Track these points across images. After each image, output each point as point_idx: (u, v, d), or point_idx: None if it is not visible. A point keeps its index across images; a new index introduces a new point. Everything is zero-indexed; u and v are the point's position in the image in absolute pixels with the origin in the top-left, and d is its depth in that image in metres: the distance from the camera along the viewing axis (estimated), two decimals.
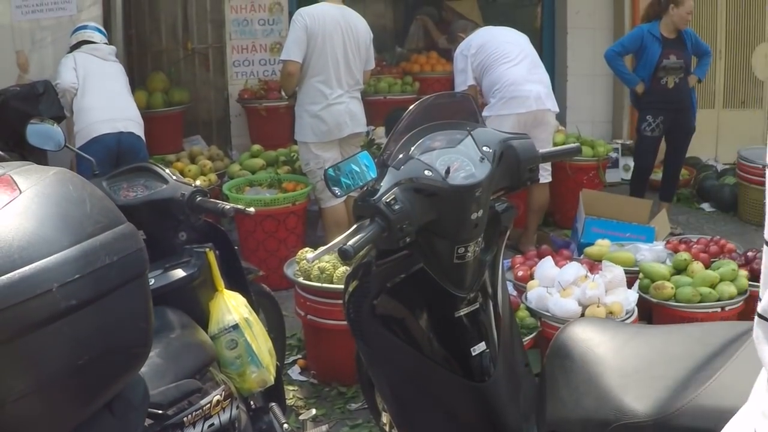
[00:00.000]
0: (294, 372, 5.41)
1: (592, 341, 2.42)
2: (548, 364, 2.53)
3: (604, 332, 2.48)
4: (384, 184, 2.51)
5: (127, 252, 1.87)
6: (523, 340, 4.48)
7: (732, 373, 2.08)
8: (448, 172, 2.57)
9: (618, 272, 5.11)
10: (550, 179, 7.52)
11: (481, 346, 2.80)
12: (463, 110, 3.00)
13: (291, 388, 5.18)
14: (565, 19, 10.24)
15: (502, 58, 7.07)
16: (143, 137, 6.87)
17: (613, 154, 9.54)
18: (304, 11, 6.67)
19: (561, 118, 9.59)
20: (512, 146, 2.81)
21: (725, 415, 1.99)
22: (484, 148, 2.70)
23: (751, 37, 11.31)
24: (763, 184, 8.79)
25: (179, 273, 3.15)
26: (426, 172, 2.55)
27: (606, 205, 7.17)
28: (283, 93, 7.49)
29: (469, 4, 10.95)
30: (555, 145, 7.79)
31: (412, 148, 2.65)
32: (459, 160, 2.64)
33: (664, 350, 2.34)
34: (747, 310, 5.55)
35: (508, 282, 5.31)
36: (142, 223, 2.91)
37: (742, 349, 2.17)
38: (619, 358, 2.32)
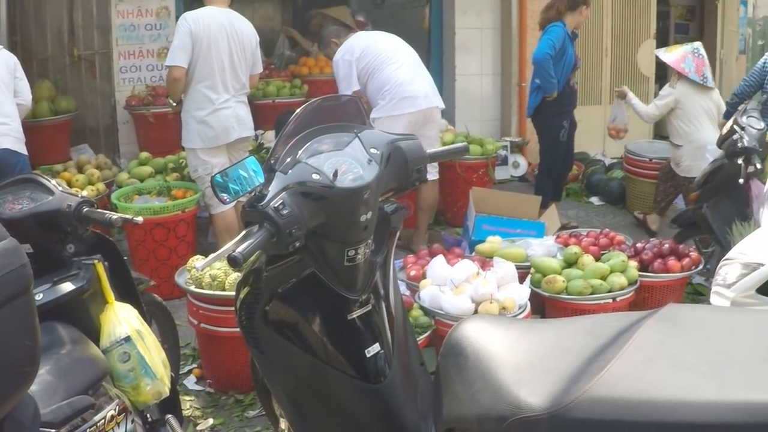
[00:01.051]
0: (190, 382, 5.34)
1: (485, 338, 2.43)
2: (442, 363, 2.54)
3: (497, 328, 2.49)
4: (272, 189, 2.48)
5: (10, 268, 1.82)
6: (418, 339, 4.50)
7: (623, 363, 2.10)
8: (336, 175, 2.56)
9: (509, 268, 5.16)
10: (437, 177, 7.54)
11: (375, 348, 2.79)
12: (350, 112, 3.00)
13: (187, 398, 5.11)
14: (452, 20, 10.31)
15: (389, 60, 7.09)
16: (22, 150, 6.59)
17: (502, 152, 9.66)
18: (188, 15, 6.60)
19: (450, 117, 9.70)
20: (400, 147, 2.82)
21: (619, 405, 2.03)
22: (372, 150, 2.70)
23: (636, 34, 11.59)
24: (648, 176, 9.00)
25: (68, 287, 3.09)
26: (314, 176, 2.54)
27: (496, 202, 7.25)
28: (170, 99, 7.40)
29: (341, 10, 10.94)
30: (444, 144, 7.87)
31: (300, 152, 2.63)
32: (347, 162, 2.63)
33: (556, 344, 2.36)
34: (638, 300, 5.69)
35: (400, 282, 5.33)
36: (29, 236, 2.85)
37: (632, 339, 2.20)
38: (512, 354, 2.34)
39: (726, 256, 4.32)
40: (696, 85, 8.30)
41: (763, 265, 4.03)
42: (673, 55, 8.50)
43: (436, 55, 10.47)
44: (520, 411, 2.12)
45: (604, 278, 5.53)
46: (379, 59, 7.09)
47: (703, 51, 8.57)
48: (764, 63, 8.19)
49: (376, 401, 2.84)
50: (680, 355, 2.14)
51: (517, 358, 2.31)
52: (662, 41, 13.17)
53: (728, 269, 4.17)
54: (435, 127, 7.37)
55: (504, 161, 9.91)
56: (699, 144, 7.99)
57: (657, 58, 9.08)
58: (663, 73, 12.41)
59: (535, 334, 2.47)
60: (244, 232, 2.45)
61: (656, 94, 11.32)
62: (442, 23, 10.58)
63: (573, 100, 8.62)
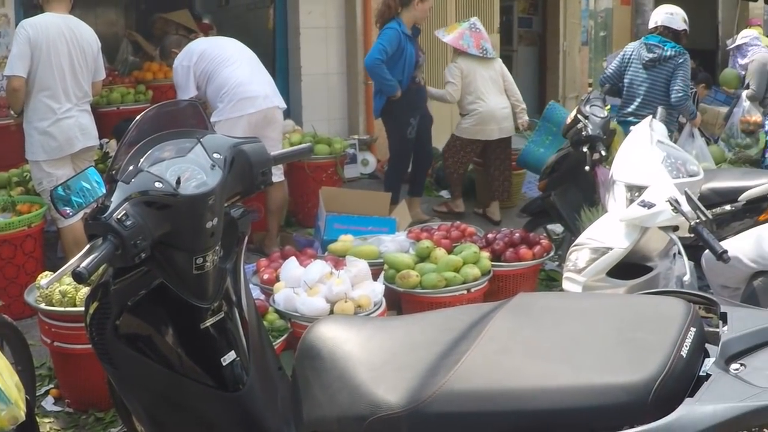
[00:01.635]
0: (48, 403, 5.17)
1: (338, 338, 2.42)
2: (298, 366, 2.52)
3: (350, 328, 2.49)
4: (114, 200, 2.43)
5: None
6: (275, 343, 4.47)
7: (478, 355, 2.12)
8: (179, 182, 2.52)
9: (362, 266, 5.15)
10: (283, 178, 7.49)
11: (231, 355, 2.77)
12: (192, 118, 2.96)
13: (46, 420, 4.96)
14: (297, 20, 10.24)
15: (225, 62, 7.01)
16: None
17: (351, 150, 9.64)
18: (26, 23, 6.37)
19: (297, 117, 9.66)
20: (243, 151, 2.79)
21: (476, 396, 2.05)
22: (215, 155, 2.67)
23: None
24: None
25: None
26: (156, 184, 2.50)
27: (346, 200, 7.23)
28: (11, 110, 7.16)
29: (183, 14, 10.79)
30: (291, 145, 7.84)
31: (142, 160, 2.58)
32: (190, 169, 2.59)
33: (409, 340, 2.37)
34: (492, 290, 5.75)
35: (254, 286, 5.28)
36: None
37: (485, 330, 2.22)
38: (367, 352, 2.34)
39: (575, 242, 4.40)
40: (477, 58, 8.75)
41: (611, 248, 4.12)
42: (451, 35, 8.87)
43: (281, 55, 10.40)
44: (379, 410, 2.12)
45: (457, 270, 5.55)
46: (215, 62, 7.01)
47: (480, 25, 8.98)
48: (623, 54, 8.40)
49: (237, 409, 2.82)
50: (533, 343, 2.17)
51: (372, 356, 2.32)
52: (506, 35, 13.41)
53: (578, 255, 4.25)
54: (277, 128, 7.31)
55: (353, 159, 9.91)
56: (486, 110, 8.70)
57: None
58: (508, 66, 12.62)
59: (388, 331, 2.48)
60: (88, 246, 2.40)
61: None
62: (286, 23, 10.50)
63: (421, 97, 8.63)
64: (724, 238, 4.98)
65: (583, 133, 6.16)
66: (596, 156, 6.01)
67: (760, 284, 4.20)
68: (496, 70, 8.99)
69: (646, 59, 8.02)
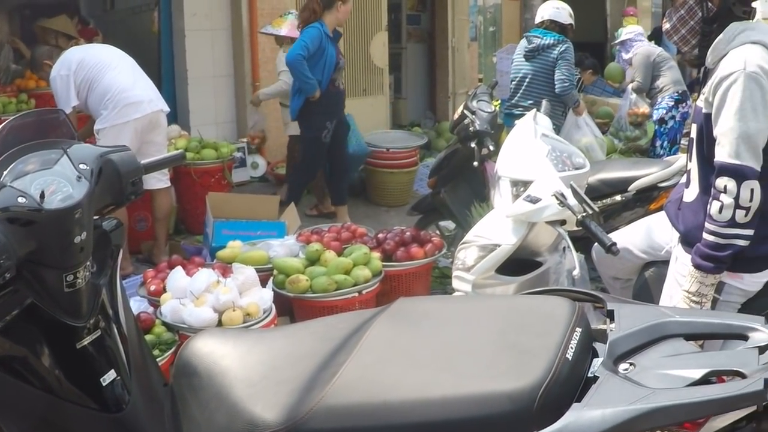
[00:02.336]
0: None
1: (215, 354, 2.33)
2: (176, 385, 2.42)
3: (227, 342, 2.40)
4: None
5: None
6: (163, 356, 4.35)
7: (356, 367, 2.06)
8: (43, 196, 2.39)
9: (249, 272, 5.05)
10: (168, 184, 7.36)
11: (111, 375, 2.64)
12: (58, 127, 2.82)
13: None
14: (182, 22, 10.04)
15: (106, 69, 6.84)
16: None
17: (239, 154, 9.49)
18: None
19: (185, 122, 9.52)
20: (111, 160, 2.67)
21: (355, 411, 1.97)
22: (81, 166, 2.54)
23: (368, 26, 11.68)
24: (388, 167, 9.11)
25: None
26: (19, 200, 2.36)
27: (234, 205, 7.11)
28: None
29: (62, 20, 10.51)
30: (177, 150, 7.73)
31: (4, 174, 2.45)
32: (55, 182, 2.46)
33: (288, 352, 2.29)
34: (385, 290, 5.72)
35: (141, 298, 5.14)
36: None
37: (364, 339, 2.15)
38: (245, 367, 2.25)
39: (463, 240, 4.37)
40: None
41: (499, 245, 4.09)
42: (284, 28, 9.05)
43: (167, 59, 10.20)
44: (256, 428, 2.05)
45: (348, 273, 5.49)
46: (96, 69, 6.83)
47: None
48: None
49: (120, 431, 2.70)
50: (413, 352, 2.11)
51: (250, 371, 2.23)
52: (395, 33, 13.38)
53: (466, 252, 4.22)
54: (162, 132, 7.17)
55: (242, 163, 9.76)
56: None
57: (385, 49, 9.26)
58: (397, 64, 12.67)
59: (267, 343, 2.40)
60: None
61: (391, 86, 11.54)
62: (171, 26, 10.30)
63: (339, 101, 8.60)
64: (616, 228, 5.00)
65: (470, 128, 6.14)
66: (485, 151, 5.99)
67: (651, 275, 4.20)
68: None
69: (526, 50, 8.08)
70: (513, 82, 8.33)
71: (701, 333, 2.21)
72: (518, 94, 8.19)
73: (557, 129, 7.83)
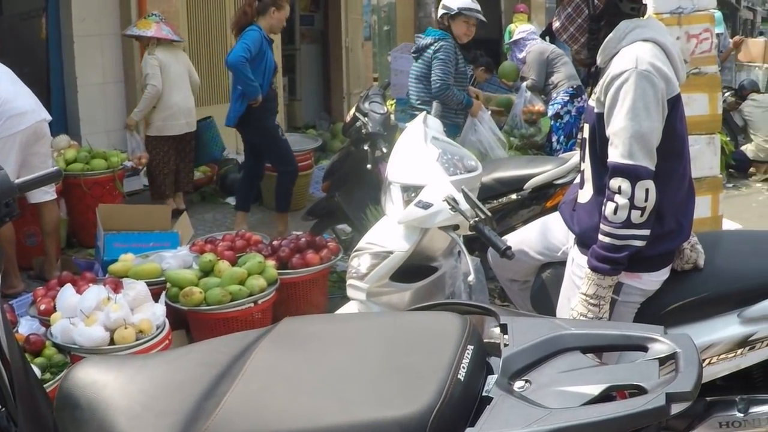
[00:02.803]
0: None
1: (97, 384, 2.22)
2: (58, 419, 2.31)
3: (108, 371, 2.29)
4: None
5: None
6: (55, 379, 4.23)
7: (240, 395, 1.98)
8: None
9: (141, 287, 4.92)
10: (54, 196, 7.08)
11: None
12: None
13: None
14: (70, 28, 9.78)
15: None
16: None
17: (129, 163, 9.29)
18: None
19: (75, 131, 9.33)
20: None
21: None
22: None
23: None
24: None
25: None
26: None
27: (126, 217, 6.93)
28: None
29: None
30: (66, 161, 7.60)
31: None
32: None
33: (170, 380, 2.20)
34: (282, 299, 5.67)
35: (32, 318, 4.98)
36: None
37: (247, 365, 2.08)
38: (127, 397, 2.15)
39: (356, 247, 4.29)
40: (169, 52, 9.07)
41: (392, 252, 4.03)
42: (150, 29, 9.05)
43: (56, 66, 9.93)
44: None
45: (242, 283, 5.40)
46: None
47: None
48: None
49: None
50: (298, 377, 2.03)
51: (133, 401, 2.13)
52: (288, 34, 13.31)
53: (360, 260, 4.14)
54: (46, 142, 6.92)
55: (135, 171, 9.52)
56: (177, 104, 9.06)
57: None
58: (291, 65, 12.57)
59: (149, 370, 2.29)
60: None
61: (286, 88, 11.46)
62: (60, 32, 10.05)
63: (276, 104, 8.65)
64: (513, 228, 4.98)
65: (363, 130, 6.10)
66: (378, 153, 5.95)
67: (549, 276, 4.18)
68: (185, 64, 9.32)
69: (413, 50, 8.06)
70: (408, 83, 8.29)
71: (599, 345, 2.16)
72: (411, 96, 8.15)
73: (458, 126, 7.86)
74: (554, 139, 10.21)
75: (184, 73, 9.24)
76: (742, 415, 3.58)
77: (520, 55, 11.76)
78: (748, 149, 12.71)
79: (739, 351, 3.56)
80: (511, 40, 11.93)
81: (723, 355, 3.57)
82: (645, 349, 2.03)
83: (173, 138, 9.15)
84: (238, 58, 7.88)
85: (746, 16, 65.03)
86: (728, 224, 6.25)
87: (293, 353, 2.13)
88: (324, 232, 6.86)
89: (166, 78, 8.96)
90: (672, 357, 1.95)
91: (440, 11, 8.04)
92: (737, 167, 12.89)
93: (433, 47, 7.80)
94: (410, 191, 4.06)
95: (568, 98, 9.97)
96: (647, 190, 3.34)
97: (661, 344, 2.00)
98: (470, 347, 2.03)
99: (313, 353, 2.14)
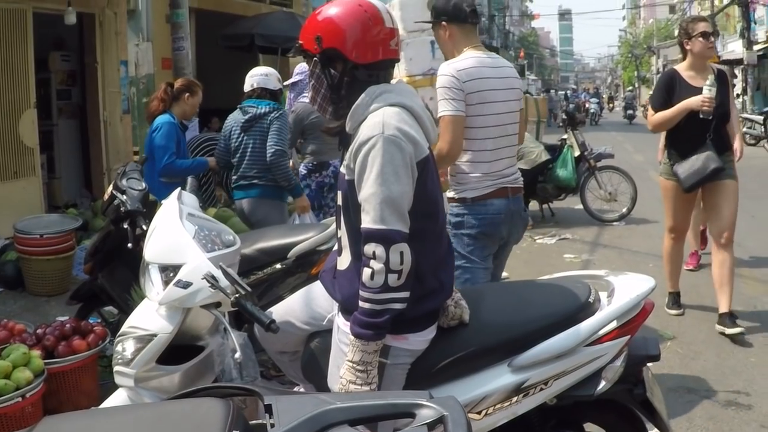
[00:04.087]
0: None
1: None
2: None
3: None
4: None
5: None
6: None
7: None
8: None
9: None
10: None
11: None
12: None
13: None
14: None
15: None
16: None
17: None
18: None
19: None
20: None
21: None
22: None
23: (16, 104, 11.26)
24: (43, 254, 8.73)
25: None
26: None
27: None
28: None
29: None
30: None
31: None
32: None
33: None
34: (52, 389, 5.53)
35: None
36: None
37: None
38: None
39: (119, 332, 4.16)
40: None
41: (156, 335, 3.91)
42: None
43: None
44: None
45: (8, 377, 5.15)
46: None
47: None
48: (225, 127, 8.32)
49: None
50: None
51: None
52: (44, 109, 12.98)
53: (124, 345, 4.01)
54: None
55: None
56: None
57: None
58: (49, 142, 12.23)
59: None
60: None
61: (44, 166, 11.10)
62: None
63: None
64: (282, 297, 4.93)
65: (121, 209, 5.94)
66: (138, 231, 5.80)
67: (317, 345, 4.17)
68: None
69: (242, 121, 8.02)
70: (236, 155, 8.22)
71: (365, 417, 2.14)
72: (242, 166, 8.10)
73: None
74: None
75: None
76: None
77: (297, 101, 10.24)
78: None
79: (514, 399, 3.67)
80: (289, 81, 10.74)
81: (499, 405, 3.65)
82: (413, 416, 2.02)
83: None
84: (167, 165, 7.95)
85: None
86: None
87: None
88: (90, 316, 6.67)
89: None
90: (440, 420, 1.96)
91: (257, 84, 8.14)
92: None
93: (270, 116, 7.96)
94: (169, 271, 3.98)
95: (306, 172, 9.75)
96: (402, 253, 3.36)
97: (428, 409, 2.02)
98: None
99: None
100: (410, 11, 6.28)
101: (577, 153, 14.46)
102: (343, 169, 3.64)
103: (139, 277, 5.43)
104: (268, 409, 2.15)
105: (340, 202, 3.71)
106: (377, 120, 3.46)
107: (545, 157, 14.02)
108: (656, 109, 8.01)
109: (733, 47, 49.89)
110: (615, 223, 14.22)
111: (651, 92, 8.78)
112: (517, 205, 5.51)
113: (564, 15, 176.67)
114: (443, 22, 5.51)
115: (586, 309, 3.83)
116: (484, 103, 5.27)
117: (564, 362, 3.69)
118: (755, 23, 43.63)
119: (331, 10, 3.65)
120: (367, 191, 3.40)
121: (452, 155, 5.27)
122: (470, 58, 5.34)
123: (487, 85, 5.29)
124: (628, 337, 3.80)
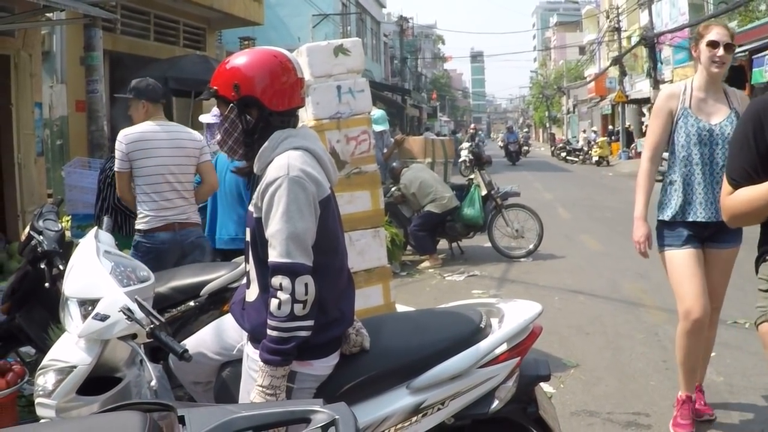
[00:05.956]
0: None
1: None
2: None
3: None
4: None
5: None
6: None
7: None
8: None
9: None
10: None
11: None
12: None
13: None
14: None
15: None
16: None
17: None
18: None
19: None
20: None
21: None
22: None
23: None
24: None
25: None
26: None
27: None
28: None
29: None
30: None
31: None
32: None
33: None
34: None
35: None
36: None
37: None
38: None
39: (40, 366, 4.32)
40: None
41: (75, 367, 4.09)
42: None
43: None
44: None
45: None
46: None
47: None
48: None
49: None
50: None
51: None
52: None
53: (45, 378, 4.17)
54: None
55: None
56: None
57: None
58: None
59: None
60: None
61: None
62: None
63: None
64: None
65: (39, 249, 6.06)
66: (55, 271, 5.94)
67: (228, 374, 4.34)
68: None
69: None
70: None
71: (267, 423, 2.32)
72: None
73: None
74: None
75: None
76: None
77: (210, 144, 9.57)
78: None
79: (414, 419, 3.91)
80: (206, 122, 9.95)
81: (399, 425, 3.89)
82: (308, 421, 2.24)
83: None
84: None
85: (413, 114, 68.55)
86: (403, 309, 6.62)
87: None
88: (7, 356, 6.70)
89: None
90: (332, 423, 2.18)
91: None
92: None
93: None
94: (87, 305, 4.17)
95: None
96: (306, 285, 3.63)
97: (321, 414, 2.22)
98: None
99: None
100: (317, 57, 6.51)
101: (484, 192, 14.82)
102: (251, 208, 3.90)
103: (56, 316, 5.61)
104: (182, 420, 2.31)
105: (248, 238, 3.96)
106: (283, 162, 3.75)
107: (455, 203, 14.45)
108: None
109: (641, 86, 50.97)
110: (522, 259, 14.59)
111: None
112: None
113: (476, 57, 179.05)
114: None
115: (478, 333, 4.11)
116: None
117: (459, 383, 3.96)
118: (662, 63, 44.70)
119: (247, 60, 3.95)
120: (274, 227, 3.67)
121: None
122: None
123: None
124: (519, 358, 4.10)
